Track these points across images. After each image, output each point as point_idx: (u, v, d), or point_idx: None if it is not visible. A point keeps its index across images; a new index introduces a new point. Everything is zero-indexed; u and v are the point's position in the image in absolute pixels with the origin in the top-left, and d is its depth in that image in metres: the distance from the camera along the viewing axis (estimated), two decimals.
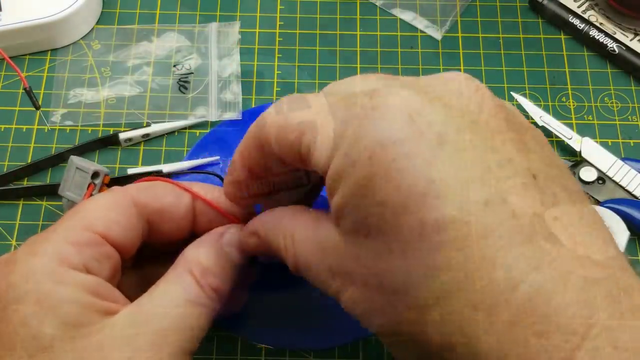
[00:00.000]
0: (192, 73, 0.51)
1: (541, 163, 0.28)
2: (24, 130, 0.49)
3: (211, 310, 0.33)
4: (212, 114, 0.50)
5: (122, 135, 0.48)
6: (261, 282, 0.44)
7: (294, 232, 0.32)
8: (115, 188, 0.36)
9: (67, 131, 0.48)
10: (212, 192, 0.36)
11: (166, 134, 0.49)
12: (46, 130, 0.49)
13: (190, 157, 0.48)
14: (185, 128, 0.49)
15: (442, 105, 0.28)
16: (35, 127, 0.49)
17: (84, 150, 0.47)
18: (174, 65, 0.52)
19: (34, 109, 0.49)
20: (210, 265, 0.33)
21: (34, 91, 0.50)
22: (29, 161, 0.47)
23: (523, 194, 0.26)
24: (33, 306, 0.30)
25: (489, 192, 0.26)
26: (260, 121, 0.32)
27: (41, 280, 0.30)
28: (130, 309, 0.31)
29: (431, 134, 0.27)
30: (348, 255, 0.29)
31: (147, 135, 0.48)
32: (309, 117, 0.29)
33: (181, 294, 0.32)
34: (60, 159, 0.47)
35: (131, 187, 0.35)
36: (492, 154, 0.27)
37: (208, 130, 0.49)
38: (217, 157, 0.47)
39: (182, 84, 0.51)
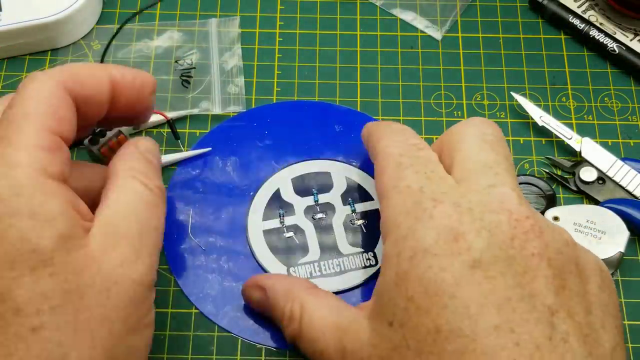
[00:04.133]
0: (195, 68, 0.52)
1: (575, 303, 0.31)
2: None
3: (162, 208, 0.35)
4: (217, 107, 0.50)
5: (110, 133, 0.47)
6: None
7: (306, 302, 0.35)
8: (37, 74, 0.34)
9: None
10: (125, 72, 0.36)
11: (165, 132, 0.49)
12: None
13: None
14: (181, 118, 0.49)
15: (487, 234, 0.31)
16: None
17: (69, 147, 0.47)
18: (176, 61, 0.52)
19: None
20: (145, 170, 0.35)
21: None
22: None
23: (532, 328, 0.29)
24: (28, 220, 0.29)
25: (501, 320, 0.29)
26: None
27: (32, 194, 0.30)
28: (100, 223, 0.32)
29: (467, 257, 0.30)
30: (368, 341, 0.32)
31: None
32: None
33: (138, 199, 0.34)
34: None
35: (55, 73, 0.34)
36: (517, 288, 0.30)
37: (208, 130, 0.49)
38: (209, 149, 0.48)
39: (185, 79, 0.51)
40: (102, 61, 0.43)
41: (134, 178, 0.34)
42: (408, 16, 0.54)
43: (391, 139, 0.38)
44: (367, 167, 0.48)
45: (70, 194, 0.32)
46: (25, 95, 0.32)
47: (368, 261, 0.44)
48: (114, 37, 0.43)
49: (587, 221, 0.44)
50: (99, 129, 0.46)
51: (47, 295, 0.29)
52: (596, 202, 0.46)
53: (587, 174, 0.47)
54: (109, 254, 0.31)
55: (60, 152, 0.32)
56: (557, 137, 0.48)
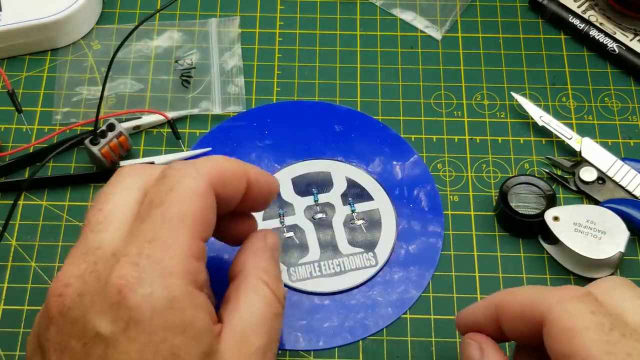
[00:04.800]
0: (195, 68, 0.52)
1: None
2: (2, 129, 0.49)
3: (283, 318, 0.35)
4: (217, 107, 0.50)
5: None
6: None
7: None
8: (187, 169, 0.32)
9: (68, 132, 0.48)
10: (259, 176, 0.36)
11: (165, 132, 0.49)
12: (24, 130, 0.49)
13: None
14: (179, 118, 0.49)
15: None
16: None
17: (68, 148, 0.47)
18: (176, 61, 0.52)
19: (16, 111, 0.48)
20: (275, 274, 0.35)
21: (34, 91, 0.50)
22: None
23: None
24: (180, 336, 0.29)
25: None
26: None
27: (184, 308, 0.29)
28: (231, 329, 0.32)
29: None
30: None
31: (137, 127, 0.48)
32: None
33: (269, 309, 0.34)
34: (39, 157, 0.47)
35: (205, 169, 0.33)
36: None
37: (208, 130, 0.49)
38: (209, 149, 0.48)
39: (185, 79, 0.51)
40: (112, 61, 0.43)
41: (265, 284, 0.34)
42: (408, 16, 0.54)
43: (564, 293, 0.32)
44: (367, 167, 0.48)
45: (210, 304, 0.31)
46: (180, 193, 0.31)
47: (368, 261, 0.44)
48: (127, 37, 0.43)
49: (587, 221, 0.43)
50: (100, 130, 0.46)
51: None
52: (596, 202, 0.46)
53: (587, 174, 0.47)
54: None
55: (205, 259, 0.32)
56: (557, 137, 0.48)
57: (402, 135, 0.49)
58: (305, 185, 0.47)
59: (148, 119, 0.49)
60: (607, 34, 0.52)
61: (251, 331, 0.32)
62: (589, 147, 0.47)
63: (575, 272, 0.44)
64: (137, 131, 0.48)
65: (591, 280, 0.44)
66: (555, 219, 0.44)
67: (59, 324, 0.30)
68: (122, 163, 0.47)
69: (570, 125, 0.49)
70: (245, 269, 0.35)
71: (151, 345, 0.28)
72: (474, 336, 0.35)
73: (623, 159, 0.47)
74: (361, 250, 0.45)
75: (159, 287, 0.29)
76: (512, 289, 0.34)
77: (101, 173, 0.47)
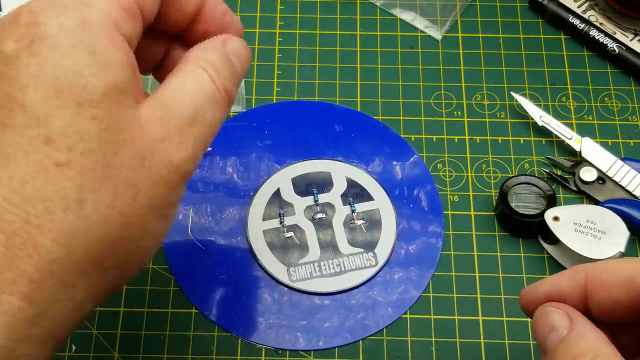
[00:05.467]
0: None
1: None
2: None
3: (223, 113, 0.32)
4: None
5: None
6: (262, 283, 0.44)
7: None
8: None
9: None
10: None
11: None
12: None
13: None
14: None
15: None
16: None
17: None
18: None
19: None
20: (221, 69, 0.32)
21: None
22: None
23: None
24: (87, 55, 0.27)
25: None
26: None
27: (98, 34, 0.28)
28: (154, 98, 0.30)
29: None
30: None
31: None
32: None
33: (199, 89, 0.31)
34: None
35: None
36: None
37: None
38: (209, 149, 0.48)
39: None
40: None
41: (204, 70, 0.32)
42: (408, 16, 0.54)
43: None
44: (367, 167, 0.48)
45: (134, 59, 0.30)
46: None
47: (368, 261, 0.44)
48: None
49: (587, 221, 0.44)
50: None
51: (83, 136, 0.27)
52: (596, 202, 0.46)
53: (587, 174, 0.47)
54: (154, 126, 0.29)
55: (134, 21, 0.30)
56: (557, 137, 0.48)
57: (402, 135, 0.49)
58: (305, 185, 0.47)
59: None
60: (607, 34, 0.52)
61: (174, 101, 0.30)
62: (589, 147, 0.47)
63: None
64: None
65: None
66: (555, 219, 0.44)
67: None
68: None
69: (570, 125, 0.49)
70: (185, 57, 0.32)
71: (53, 59, 0.27)
72: (557, 304, 0.32)
73: (623, 159, 0.47)
74: (361, 250, 0.45)
75: (73, 10, 0.28)
76: (601, 262, 0.32)
77: None
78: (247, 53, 0.34)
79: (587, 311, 0.31)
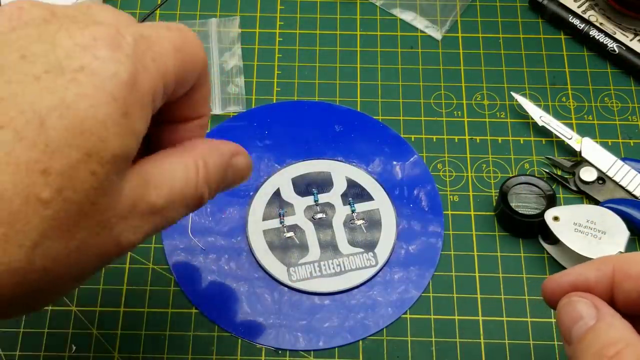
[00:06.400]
0: None
1: None
2: None
3: (186, 214, 0.32)
4: (217, 108, 0.50)
5: None
6: (262, 283, 0.44)
7: None
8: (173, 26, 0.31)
9: None
10: None
11: None
12: None
13: None
14: None
15: None
16: None
17: None
18: None
19: None
20: (213, 178, 0.32)
21: None
22: None
23: None
24: (121, 116, 0.27)
25: None
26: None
27: (139, 100, 0.27)
28: (141, 172, 0.29)
29: None
30: None
31: None
32: None
33: (181, 186, 0.31)
34: None
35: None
36: None
37: (208, 130, 0.49)
38: None
39: None
40: None
41: (196, 171, 0.31)
42: (408, 16, 0.54)
43: None
44: (367, 167, 0.48)
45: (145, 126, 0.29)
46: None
47: (368, 261, 0.44)
48: None
49: (587, 221, 0.44)
50: None
51: (75, 185, 0.26)
52: (596, 202, 0.46)
53: (587, 174, 0.47)
54: (126, 202, 0.28)
55: (164, 98, 0.30)
56: (557, 137, 0.48)
57: (402, 135, 0.49)
58: (305, 185, 0.47)
59: None
60: (607, 34, 0.52)
61: (155, 185, 0.30)
62: (589, 147, 0.47)
63: None
64: None
65: None
66: (555, 219, 0.44)
67: None
68: None
69: (570, 125, 0.49)
70: (192, 145, 0.32)
71: (91, 98, 0.26)
72: (583, 294, 0.31)
73: (623, 159, 0.47)
74: (361, 250, 0.45)
75: (131, 66, 0.27)
76: (630, 253, 0.32)
77: None
78: (245, 175, 0.35)
79: (612, 303, 0.31)
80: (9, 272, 0.26)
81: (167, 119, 0.33)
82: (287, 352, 0.42)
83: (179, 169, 0.31)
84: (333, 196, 0.46)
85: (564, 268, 0.44)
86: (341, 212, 0.46)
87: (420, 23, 0.54)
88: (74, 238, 0.27)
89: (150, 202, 0.29)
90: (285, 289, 0.44)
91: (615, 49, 0.52)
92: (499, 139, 0.49)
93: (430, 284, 0.44)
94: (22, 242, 0.26)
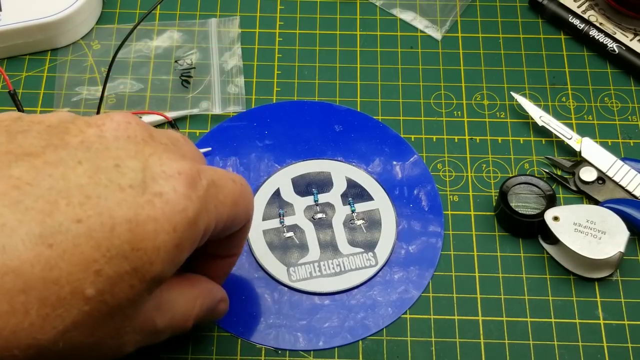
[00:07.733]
0: (194, 68, 0.52)
1: None
2: None
3: (172, 335, 0.35)
4: (217, 107, 0.50)
5: None
6: (261, 283, 0.44)
7: None
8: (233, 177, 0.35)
9: None
10: None
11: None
12: None
13: None
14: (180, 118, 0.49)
15: None
16: None
17: None
18: (176, 61, 0.52)
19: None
20: (202, 315, 0.36)
21: (34, 91, 0.50)
22: None
23: None
24: (174, 248, 0.30)
25: None
26: None
27: (196, 233, 0.30)
28: (160, 299, 0.32)
29: None
30: None
31: None
32: None
33: (181, 316, 0.35)
34: None
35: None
36: None
37: (208, 130, 0.49)
38: (209, 149, 0.48)
39: (185, 79, 0.51)
40: (112, 61, 0.42)
41: (193, 306, 0.35)
42: (408, 16, 0.54)
43: None
44: (367, 167, 0.48)
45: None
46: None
47: (368, 261, 0.44)
48: (127, 36, 0.43)
49: (587, 221, 0.43)
50: None
51: (115, 293, 0.29)
52: (596, 202, 0.46)
53: (587, 174, 0.47)
54: (141, 319, 0.32)
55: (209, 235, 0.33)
56: (557, 137, 0.48)
57: (402, 135, 0.49)
58: (305, 185, 0.47)
59: (148, 119, 0.49)
60: (607, 34, 0.52)
61: (164, 311, 0.33)
62: (589, 147, 0.47)
63: (575, 272, 0.44)
64: None
65: (591, 280, 0.44)
66: (555, 219, 0.44)
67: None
68: None
69: (570, 125, 0.49)
70: (203, 284, 0.37)
71: (152, 224, 0.29)
72: None
73: (623, 159, 0.47)
74: (361, 250, 0.45)
75: (204, 203, 0.31)
76: None
77: None
78: (218, 318, 0.40)
79: None
80: (36, 348, 0.28)
81: (203, 252, 0.35)
82: (287, 352, 0.42)
83: (182, 303, 0.34)
84: (333, 196, 0.46)
85: (564, 268, 0.44)
86: (341, 212, 0.46)
87: (420, 23, 0.54)
88: (94, 335, 0.29)
89: (154, 324, 0.32)
90: (285, 289, 0.44)
91: (615, 49, 0.52)
92: (499, 139, 0.49)
93: (430, 284, 0.44)
94: (57, 325, 0.28)
